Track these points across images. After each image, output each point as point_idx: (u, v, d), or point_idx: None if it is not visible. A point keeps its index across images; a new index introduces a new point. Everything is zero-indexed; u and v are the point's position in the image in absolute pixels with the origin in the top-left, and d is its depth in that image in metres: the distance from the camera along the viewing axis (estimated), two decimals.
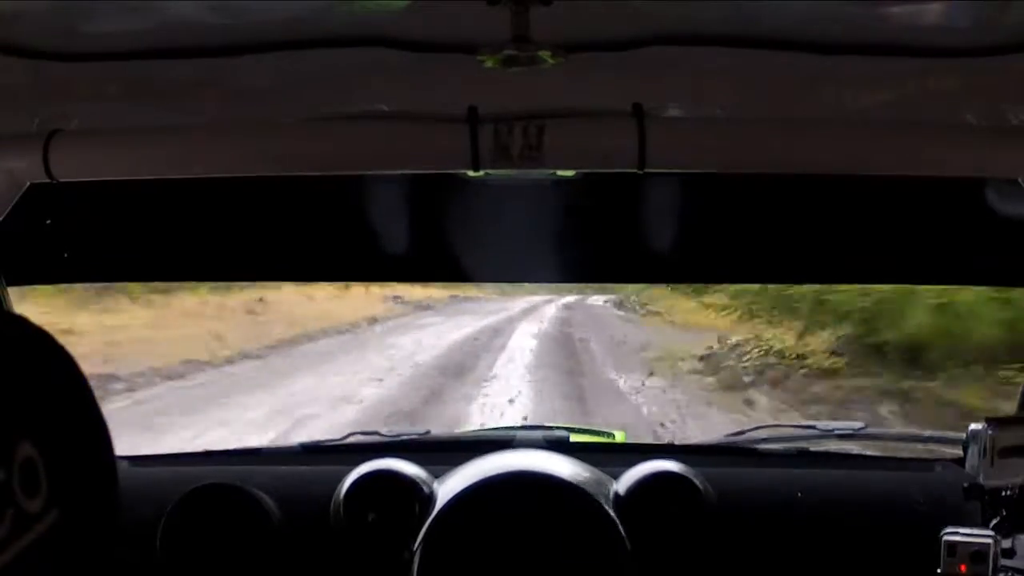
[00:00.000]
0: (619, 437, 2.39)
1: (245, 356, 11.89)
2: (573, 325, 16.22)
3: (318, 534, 1.77)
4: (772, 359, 10.58)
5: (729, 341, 11.59)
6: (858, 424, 2.19)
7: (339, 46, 1.27)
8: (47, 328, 0.70)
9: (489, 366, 11.51)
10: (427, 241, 1.91)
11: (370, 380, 10.24)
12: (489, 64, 1.20)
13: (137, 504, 1.70)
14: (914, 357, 9.05)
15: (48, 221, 1.82)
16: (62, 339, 0.71)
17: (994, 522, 1.42)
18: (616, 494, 1.75)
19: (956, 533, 1.39)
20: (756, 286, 10.51)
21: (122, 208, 1.83)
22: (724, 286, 11.28)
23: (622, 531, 1.69)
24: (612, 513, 1.70)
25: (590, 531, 1.69)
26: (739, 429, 2.18)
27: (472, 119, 1.35)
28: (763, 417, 7.86)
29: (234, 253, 2.01)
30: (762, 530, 1.79)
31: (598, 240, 1.95)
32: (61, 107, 1.46)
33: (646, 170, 1.38)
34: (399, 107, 1.43)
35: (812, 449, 2.06)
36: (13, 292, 1.89)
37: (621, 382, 10.20)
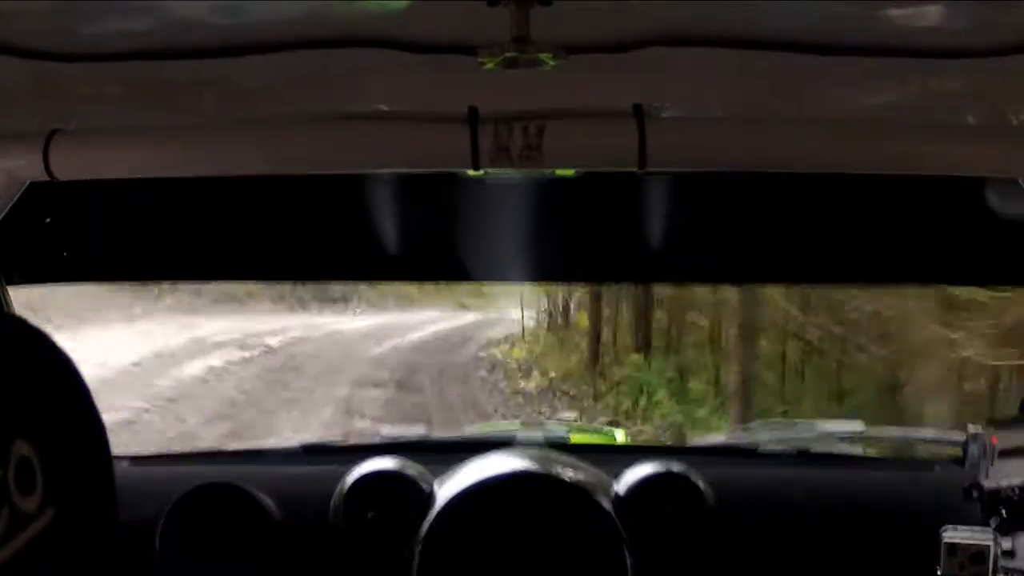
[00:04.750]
0: (619, 437, 2.40)
1: None
2: None
3: (318, 534, 1.77)
4: None
5: None
6: (859, 425, 2.19)
7: (339, 46, 1.27)
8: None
9: None
10: (427, 240, 1.91)
11: None
12: (489, 66, 1.20)
13: (137, 504, 1.69)
14: None
15: (48, 221, 1.82)
16: None
17: (994, 522, 1.42)
18: (616, 494, 1.74)
19: (956, 533, 1.39)
20: None
21: (122, 208, 1.82)
22: None
23: (622, 531, 1.69)
24: (612, 513, 1.70)
25: (590, 531, 1.69)
26: (739, 430, 2.18)
27: (472, 119, 1.35)
28: None
29: (234, 253, 2.01)
30: (762, 530, 1.79)
31: (598, 240, 1.95)
32: (61, 107, 1.46)
33: (646, 170, 1.38)
34: (399, 107, 1.43)
35: (812, 449, 2.06)
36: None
37: None
